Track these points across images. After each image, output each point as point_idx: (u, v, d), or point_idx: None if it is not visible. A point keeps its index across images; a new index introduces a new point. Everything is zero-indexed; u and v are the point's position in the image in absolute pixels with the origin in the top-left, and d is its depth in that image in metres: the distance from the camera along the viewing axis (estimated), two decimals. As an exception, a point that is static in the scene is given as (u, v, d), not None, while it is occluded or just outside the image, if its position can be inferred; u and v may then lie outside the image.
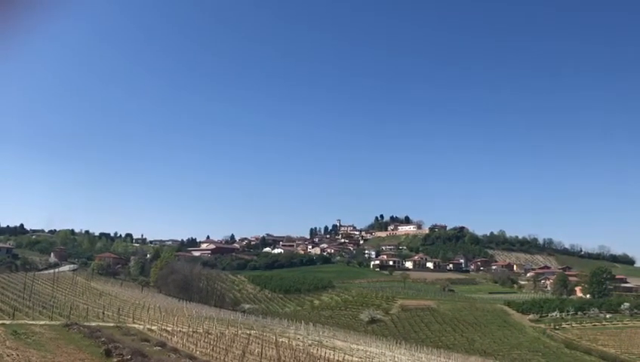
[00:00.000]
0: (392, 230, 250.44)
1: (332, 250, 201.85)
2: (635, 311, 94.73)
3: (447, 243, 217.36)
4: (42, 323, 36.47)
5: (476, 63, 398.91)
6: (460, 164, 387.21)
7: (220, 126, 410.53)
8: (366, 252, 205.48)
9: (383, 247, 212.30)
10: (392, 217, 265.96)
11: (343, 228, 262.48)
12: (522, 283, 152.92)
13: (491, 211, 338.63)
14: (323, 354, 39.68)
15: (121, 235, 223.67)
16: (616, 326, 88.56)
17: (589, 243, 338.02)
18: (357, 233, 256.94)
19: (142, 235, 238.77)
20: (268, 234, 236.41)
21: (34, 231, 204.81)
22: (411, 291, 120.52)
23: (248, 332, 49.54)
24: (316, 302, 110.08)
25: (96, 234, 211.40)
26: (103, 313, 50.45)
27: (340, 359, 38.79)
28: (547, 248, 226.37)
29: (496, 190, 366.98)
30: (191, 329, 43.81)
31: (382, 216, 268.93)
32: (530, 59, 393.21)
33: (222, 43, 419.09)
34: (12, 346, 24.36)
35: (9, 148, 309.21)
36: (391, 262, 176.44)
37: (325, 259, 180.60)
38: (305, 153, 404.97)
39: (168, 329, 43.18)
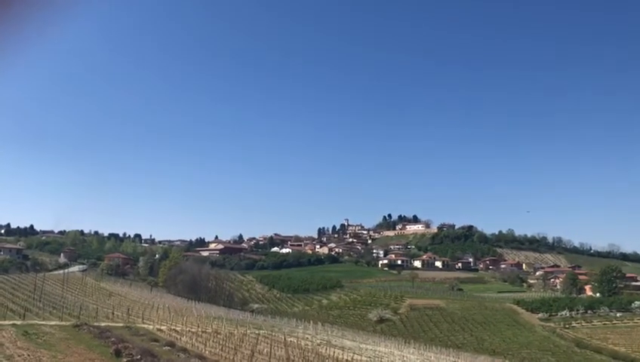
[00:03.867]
0: (401, 229, 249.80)
1: (340, 250, 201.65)
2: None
3: (456, 242, 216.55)
4: (52, 323, 36.74)
5: (485, 63, 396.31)
6: (468, 163, 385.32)
7: (227, 127, 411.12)
8: (374, 251, 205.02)
9: (391, 247, 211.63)
10: (400, 216, 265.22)
11: (350, 228, 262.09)
12: (531, 282, 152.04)
13: (500, 210, 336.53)
14: (332, 353, 39.67)
15: (129, 236, 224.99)
16: (627, 325, 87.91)
17: (599, 242, 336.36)
18: (365, 232, 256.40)
19: (150, 235, 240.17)
20: (276, 234, 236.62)
21: (44, 232, 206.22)
22: (420, 290, 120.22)
23: (257, 331, 49.63)
24: (324, 302, 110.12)
25: (106, 234, 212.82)
26: (113, 313, 50.74)
27: (349, 358, 38.76)
28: (556, 247, 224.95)
29: (504, 189, 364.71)
30: (200, 329, 43.94)
31: (390, 216, 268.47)
32: (536, 57, 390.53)
33: (229, 44, 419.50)
34: (23, 346, 24.56)
35: (19, 150, 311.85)
36: (399, 262, 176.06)
37: (333, 259, 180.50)
38: (312, 153, 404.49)
39: (177, 329, 43.34)
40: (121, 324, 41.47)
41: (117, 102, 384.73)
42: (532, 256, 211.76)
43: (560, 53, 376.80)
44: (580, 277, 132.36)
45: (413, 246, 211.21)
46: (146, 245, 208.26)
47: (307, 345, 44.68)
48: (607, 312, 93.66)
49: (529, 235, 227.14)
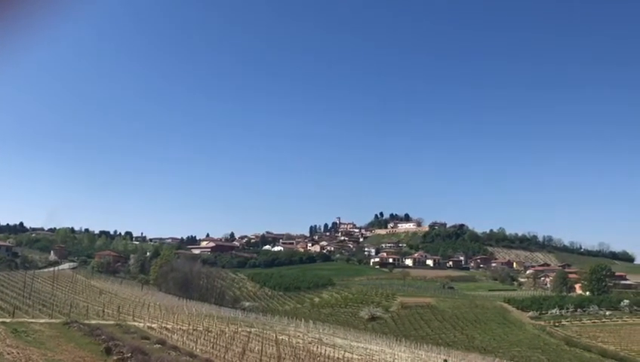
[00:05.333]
0: (392, 227, 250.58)
1: (332, 248, 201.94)
2: (635, 308, 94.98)
3: (447, 240, 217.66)
4: (42, 321, 36.46)
5: (475, 60, 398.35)
6: (459, 162, 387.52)
7: (219, 124, 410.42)
8: (366, 249, 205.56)
9: (383, 245, 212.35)
10: (391, 215, 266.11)
11: (342, 226, 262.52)
12: (522, 280, 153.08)
13: (491, 208, 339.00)
14: (323, 351, 39.71)
15: (120, 233, 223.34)
16: (616, 323, 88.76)
17: (589, 241, 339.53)
18: (357, 231, 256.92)
19: (142, 233, 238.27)
20: (268, 232, 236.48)
21: (34, 229, 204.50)
22: (411, 288, 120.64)
23: (248, 329, 49.57)
24: (316, 300, 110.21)
25: (96, 232, 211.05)
26: (103, 311, 50.43)
27: (340, 356, 38.83)
28: (547, 245, 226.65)
29: (495, 187, 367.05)
30: (191, 327, 43.83)
31: (381, 214, 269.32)
32: (530, 55, 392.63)
33: (221, 41, 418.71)
34: (12, 344, 24.36)
35: (9, 147, 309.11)
36: (391, 260, 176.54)
37: (325, 257, 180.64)
38: (304, 151, 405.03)
39: (168, 327, 43.19)
40: (111, 322, 41.24)
41: (110, 99, 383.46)
42: (522, 254, 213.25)
43: (554, 50, 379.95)
44: (570, 275, 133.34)
45: (404, 245, 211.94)
46: (137, 243, 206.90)
47: (298, 343, 44.71)
48: (597, 310, 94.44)
49: (520, 234, 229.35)
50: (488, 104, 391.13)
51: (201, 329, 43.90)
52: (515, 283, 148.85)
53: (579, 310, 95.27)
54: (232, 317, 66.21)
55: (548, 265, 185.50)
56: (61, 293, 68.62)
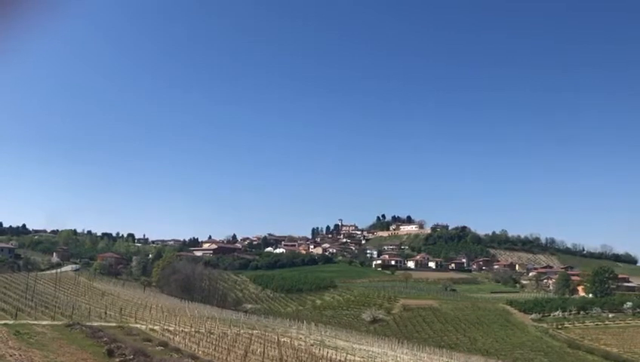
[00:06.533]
0: (394, 230, 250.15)
1: (334, 250, 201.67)
2: (638, 310, 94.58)
3: (449, 242, 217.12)
4: (44, 323, 36.51)
5: (477, 63, 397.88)
6: (461, 164, 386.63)
7: (221, 125, 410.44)
8: (368, 251, 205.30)
9: (385, 247, 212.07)
10: (393, 217, 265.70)
11: (344, 228, 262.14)
12: (524, 282, 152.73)
13: (493, 210, 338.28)
14: (325, 353, 39.64)
15: (123, 235, 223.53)
16: (619, 326, 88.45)
17: (592, 243, 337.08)
18: (359, 233, 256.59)
19: (144, 235, 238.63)
20: (270, 234, 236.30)
21: (36, 231, 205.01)
22: (413, 291, 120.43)
23: (250, 331, 49.52)
24: (318, 302, 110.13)
25: (99, 234, 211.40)
26: (105, 313, 50.46)
27: (342, 359, 38.74)
28: (549, 247, 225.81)
29: (498, 189, 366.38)
30: (193, 329, 43.79)
31: (384, 216, 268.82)
32: (532, 58, 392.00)
33: (224, 42, 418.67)
34: (15, 346, 24.39)
35: (11, 149, 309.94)
36: (393, 262, 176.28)
37: (327, 259, 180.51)
38: (306, 152, 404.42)
39: (170, 329, 43.18)
40: (113, 324, 41.25)
41: (110, 101, 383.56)
42: (525, 256, 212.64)
43: (560, 53, 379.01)
44: (573, 277, 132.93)
45: (406, 247, 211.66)
46: (139, 245, 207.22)
47: (300, 345, 44.65)
48: (600, 313, 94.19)
49: (522, 236, 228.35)
50: (490, 106, 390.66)
51: (203, 331, 43.88)
52: (518, 285, 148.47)
53: (581, 312, 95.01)
54: (234, 319, 66.16)
55: (550, 267, 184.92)
56: (63, 295, 68.71)
